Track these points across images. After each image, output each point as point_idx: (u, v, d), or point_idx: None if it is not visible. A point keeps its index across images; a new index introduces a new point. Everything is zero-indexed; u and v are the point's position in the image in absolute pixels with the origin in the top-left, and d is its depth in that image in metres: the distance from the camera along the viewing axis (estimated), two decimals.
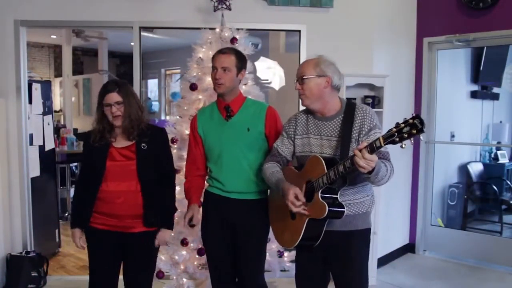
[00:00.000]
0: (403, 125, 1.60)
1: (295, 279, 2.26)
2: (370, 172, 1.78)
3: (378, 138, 1.67)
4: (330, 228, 2.02)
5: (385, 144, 1.65)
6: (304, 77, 2.06)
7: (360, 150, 1.71)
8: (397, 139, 1.60)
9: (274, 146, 2.26)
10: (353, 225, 2.06)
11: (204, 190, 2.51)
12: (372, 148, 1.70)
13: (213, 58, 2.37)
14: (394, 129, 1.61)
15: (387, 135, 1.64)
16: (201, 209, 2.48)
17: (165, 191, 2.40)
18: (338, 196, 1.94)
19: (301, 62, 3.66)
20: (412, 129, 1.57)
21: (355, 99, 3.69)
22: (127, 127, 2.29)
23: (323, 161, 1.93)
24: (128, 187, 2.27)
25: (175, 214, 3.12)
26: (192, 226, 2.38)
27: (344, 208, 1.94)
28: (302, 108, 2.27)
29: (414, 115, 1.59)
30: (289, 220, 2.11)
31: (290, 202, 1.98)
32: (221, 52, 2.38)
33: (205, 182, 2.53)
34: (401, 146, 1.62)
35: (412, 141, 1.60)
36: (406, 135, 1.58)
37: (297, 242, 2.03)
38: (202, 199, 2.51)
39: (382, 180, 1.90)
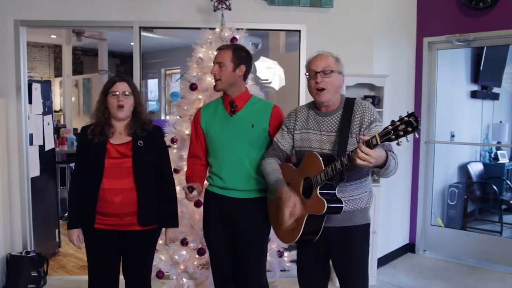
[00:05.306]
0: (398, 123, 1.62)
1: (297, 275, 2.27)
2: (380, 167, 1.81)
3: (375, 136, 1.69)
4: (330, 224, 2.04)
5: (381, 142, 1.67)
6: (331, 70, 2.04)
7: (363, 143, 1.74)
8: (393, 136, 1.63)
9: (274, 140, 2.27)
10: (353, 220, 2.08)
11: (204, 190, 2.50)
12: (369, 145, 1.71)
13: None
14: (390, 127, 1.64)
15: (383, 133, 1.66)
16: (201, 209, 2.47)
17: (166, 190, 2.38)
18: (336, 192, 1.96)
19: (301, 62, 3.70)
20: (407, 127, 1.59)
21: (355, 99, 3.69)
22: (131, 123, 2.30)
23: (320, 158, 1.95)
24: (125, 184, 2.24)
25: None
26: (190, 191, 2.25)
27: (342, 203, 1.96)
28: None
29: (409, 112, 1.61)
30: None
31: (288, 210, 2.01)
32: (219, 48, 2.40)
33: (206, 180, 2.52)
34: (397, 144, 1.64)
35: (408, 139, 1.62)
36: (401, 133, 1.61)
37: (297, 238, 2.05)
38: (202, 199, 2.50)
39: (391, 172, 1.92)
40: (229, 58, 2.30)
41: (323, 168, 1.91)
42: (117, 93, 2.24)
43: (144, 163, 2.28)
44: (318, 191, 1.94)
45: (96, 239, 2.32)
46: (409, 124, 1.59)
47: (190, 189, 2.27)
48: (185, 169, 3.01)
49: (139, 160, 2.27)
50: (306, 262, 2.22)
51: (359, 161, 1.73)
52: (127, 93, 2.25)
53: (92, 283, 2.36)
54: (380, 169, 1.83)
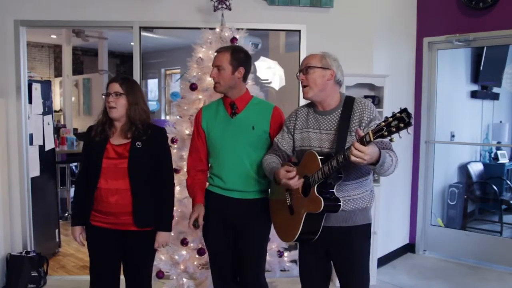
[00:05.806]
0: (391, 119, 1.62)
1: (299, 275, 2.27)
2: (374, 164, 1.80)
3: (368, 133, 1.69)
4: (331, 224, 2.04)
5: (374, 138, 1.68)
6: (309, 66, 2.07)
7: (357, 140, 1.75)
8: (386, 133, 1.63)
9: (274, 141, 2.28)
10: (353, 220, 2.08)
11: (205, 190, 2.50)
12: (363, 142, 1.72)
13: None
14: (383, 123, 1.64)
15: (376, 129, 1.67)
16: None
17: (162, 192, 2.37)
18: (334, 190, 1.96)
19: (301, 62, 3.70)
20: (399, 123, 1.60)
21: (354, 98, 3.69)
22: (125, 125, 2.29)
23: (318, 157, 1.95)
24: (121, 185, 2.25)
25: (175, 214, 3.12)
26: (196, 227, 2.34)
27: (340, 202, 1.96)
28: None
29: (401, 108, 1.61)
30: (288, 215, 2.13)
31: (283, 177, 2.00)
32: (217, 51, 2.39)
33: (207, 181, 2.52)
34: (390, 140, 1.65)
35: (400, 135, 1.62)
36: (394, 129, 1.61)
37: (296, 237, 2.05)
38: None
39: (388, 170, 1.91)
40: (227, 61, 2.29)
41: (321, 166, 1.92)
42: (109, 94, 2.27)
43: (140, 165, 2.28)
44: (315, 189, 1.94)
45: (96, 237, 2.33)
46: (401, 120, 1.59)
47: (196, 225, 2.31)
48: (185, 169, 3.01)
49: (135, 162, 2.26)
50: (307, 261, 2.22)
51: (353, 158, 1.74)
52: (118, 93, 2.26)
53: (93, 282, 2.37)
54: (375, 166, 1.83)
